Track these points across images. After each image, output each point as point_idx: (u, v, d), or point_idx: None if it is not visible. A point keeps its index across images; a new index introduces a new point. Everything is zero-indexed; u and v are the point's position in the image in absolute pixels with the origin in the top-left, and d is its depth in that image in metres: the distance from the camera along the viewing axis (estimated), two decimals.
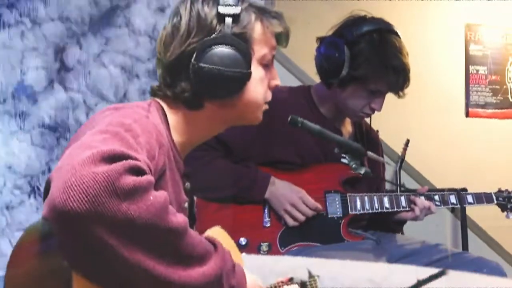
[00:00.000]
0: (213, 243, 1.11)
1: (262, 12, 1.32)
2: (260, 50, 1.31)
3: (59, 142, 2.72)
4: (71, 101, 2.72)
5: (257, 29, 1.30)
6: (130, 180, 0.95)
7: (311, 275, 1.29)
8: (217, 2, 1.26)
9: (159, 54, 1.30)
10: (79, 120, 2.71)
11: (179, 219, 1.02)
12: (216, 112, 1.30)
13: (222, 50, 1.24)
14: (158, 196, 0.99)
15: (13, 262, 1.02)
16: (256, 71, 1.30)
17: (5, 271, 1.02)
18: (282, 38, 1.36)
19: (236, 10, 1.26)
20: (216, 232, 1.34)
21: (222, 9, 1.26)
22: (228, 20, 1.26)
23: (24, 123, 2.68)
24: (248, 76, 1.27)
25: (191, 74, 1.25)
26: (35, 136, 2.69)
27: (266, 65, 1.34)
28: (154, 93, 1.32)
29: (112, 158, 0.96)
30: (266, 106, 1.37)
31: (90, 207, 0.91)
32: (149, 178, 1.00)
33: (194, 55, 1.24)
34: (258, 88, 1.32)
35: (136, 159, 1.00)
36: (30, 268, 1.01)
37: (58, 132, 2.71)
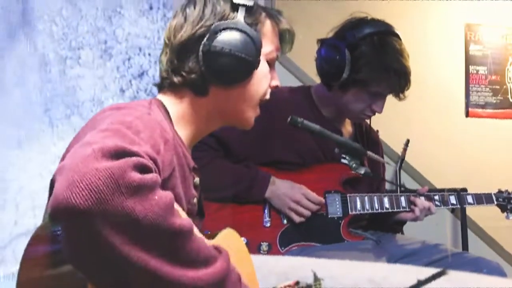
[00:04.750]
0: (219, 250, 1.09)
1: (270, 11, 1.37)
2: (266, 46, 1.34)
3: None
4: None
5: (266, 24, 1.35)
6: (135, 177, 0.94)
7: (316, 278, 1.29)
8: None
9: (167, 39, 1.32)
10: None
11: (184, 221, 1.00)
12: (218, 101, 1.32)
13: (235, 33, 1.27)
14: (164, 196, 0.98)
15: (25, 263, 1.00)
16: (262, 64, 1.33)
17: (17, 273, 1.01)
18: (287, 39, 1.40)
19: (250, 2, 1.31)
20: (227, 234, 1.33)
21: (236, 0, 1.30)
22: (242, 10, 1.30)
23: None
24: (257, 63, 1.30)
25: (200, 54, 1.27)
26: None
27: (269, 64, 1.36)
28: (161, 81, 1.33)
29: (114, 154, 0.96)
30: (258, 112, 1.38)
31: (94, 203, 0.90)
32: (154, 177, 0.98)
33: (207, 36, 1.27)
34: (262, 82, 1.34)
35: (140, 155, 0.99)
36: (44, 269, 1.00)
37: None
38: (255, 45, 1.29)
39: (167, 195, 0.99)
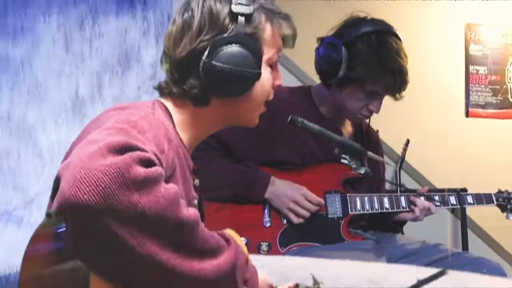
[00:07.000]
0: (226, 237, 1.11)
1: (272, 13, 1.33)
2: (268, 51, 1.32)
3: None
4: None
5: (267, 30, 1.31)
6: (140, 171, 0.96)
7: (315, 282, 1.29)
8: (229, 0, 1.26)
9: (166, 49, 1.30)
10: None
11: (190, 212, 1.02)
12: (220, 109, 1.31)
13: (235, 49, 1.25)
14: (169, 188, 1.00)
15: (27, 261, 1.01)
16: (264, 71, 1.31)
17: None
18: (289, 40, 1.37)
19: (249, 10, 1.27)
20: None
21: (235, 8, 1.26)
22: (241, 20, 1.26)
23: None
24: (258, 76, 1.28)
25: (201, 71, 1.24)
26: None
27: (271, 66, 1.35)
28: (161, 90, 1.32)
29: (119, 150, 0.97)
30: (264, 108, 1.38)
31: (101, 199, 0.91)
32: (159, 170, 1.00)
33: (206, 53, 1.24)
34: (264, 88, 1.33)
35: (144, 150, 1.00)
36: (45, 268, 1.00)
37: None
38: (256, 58, 1.27)
39: (172, 187, 1.01)
